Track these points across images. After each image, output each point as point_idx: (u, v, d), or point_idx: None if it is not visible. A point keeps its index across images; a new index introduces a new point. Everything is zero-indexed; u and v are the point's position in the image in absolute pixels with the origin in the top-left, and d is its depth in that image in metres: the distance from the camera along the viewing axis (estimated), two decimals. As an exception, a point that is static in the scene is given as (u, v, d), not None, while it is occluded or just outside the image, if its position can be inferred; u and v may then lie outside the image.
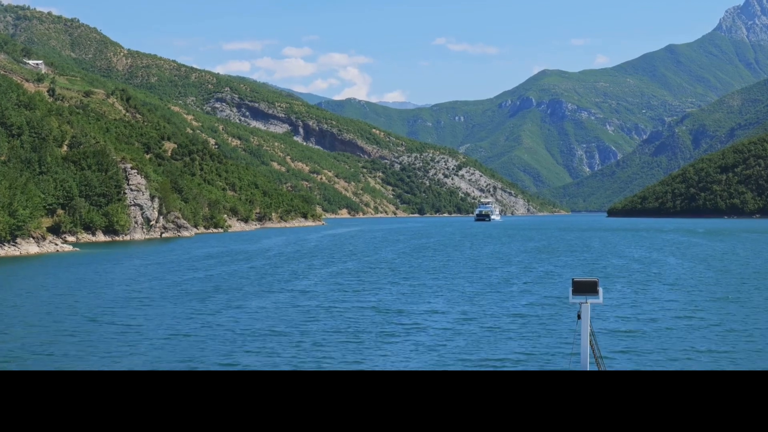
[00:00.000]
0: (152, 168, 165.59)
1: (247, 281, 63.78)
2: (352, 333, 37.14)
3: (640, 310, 45.59)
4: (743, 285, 59.84)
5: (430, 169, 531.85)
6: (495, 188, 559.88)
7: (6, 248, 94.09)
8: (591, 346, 11.40)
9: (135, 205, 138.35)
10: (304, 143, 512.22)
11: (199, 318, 42.12)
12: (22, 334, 36.68)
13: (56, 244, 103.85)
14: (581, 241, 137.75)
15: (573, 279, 10.96)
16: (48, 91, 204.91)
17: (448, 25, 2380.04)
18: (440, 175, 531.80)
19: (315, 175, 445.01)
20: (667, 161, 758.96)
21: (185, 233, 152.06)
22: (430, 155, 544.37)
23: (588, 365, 11.16)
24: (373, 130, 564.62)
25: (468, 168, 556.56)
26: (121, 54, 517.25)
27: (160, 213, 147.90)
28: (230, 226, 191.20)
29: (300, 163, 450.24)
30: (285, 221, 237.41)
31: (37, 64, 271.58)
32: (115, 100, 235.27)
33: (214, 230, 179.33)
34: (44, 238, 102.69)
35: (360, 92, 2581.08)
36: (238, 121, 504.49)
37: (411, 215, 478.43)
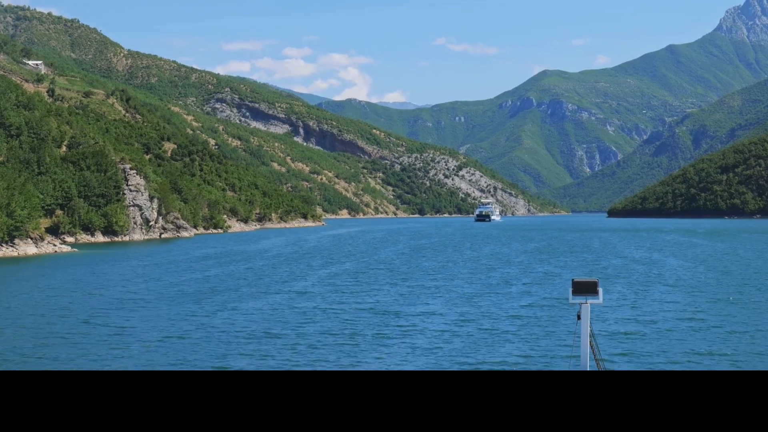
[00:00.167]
0: (152, 168, 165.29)
1: (245, 282, 63.42)
2: (348, 335, 36.73)
3: (641, 311, 45.22)
4: (744, 286, 59.46)
5: (430, 169, 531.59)
6: (495, 189, 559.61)
7: (4, 249, 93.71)
8: (591, 346, 11.22)
9: (134, 205, 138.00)
10: (305, 144, 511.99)
11: (193, 320, 41.68)
12: (13, 336, 36.22)
13: (54, 245, 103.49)
14: (581, 242, 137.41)
15: (573, 279, 10.87)
16: (47, 92, 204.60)
17: (449, 25, 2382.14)
18: (440, 176, 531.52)
19: (315, 176, 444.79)
20: (668, 161, 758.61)
21: (184, 234, 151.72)
22: (431, 156, 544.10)
23: (588, 366, 10.98)
24: (374, 130, 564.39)
25: (468, 168, 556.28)
26: (121, 54, 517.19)
27: (159, 213, 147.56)
28: (230, 226, 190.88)
29: (300, 164, 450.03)
30: (285, 222, 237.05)
31: (36, 64, 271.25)
32: (114, 100, 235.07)
33: (214, 231, 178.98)
34: (42, 239, 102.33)
35: (360, 92, 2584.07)
36: (238, 121, 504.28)
37: (411, 216, 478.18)
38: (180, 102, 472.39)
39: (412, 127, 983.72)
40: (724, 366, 30.03)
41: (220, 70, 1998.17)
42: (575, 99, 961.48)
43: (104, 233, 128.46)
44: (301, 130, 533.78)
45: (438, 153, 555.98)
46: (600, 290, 10.83)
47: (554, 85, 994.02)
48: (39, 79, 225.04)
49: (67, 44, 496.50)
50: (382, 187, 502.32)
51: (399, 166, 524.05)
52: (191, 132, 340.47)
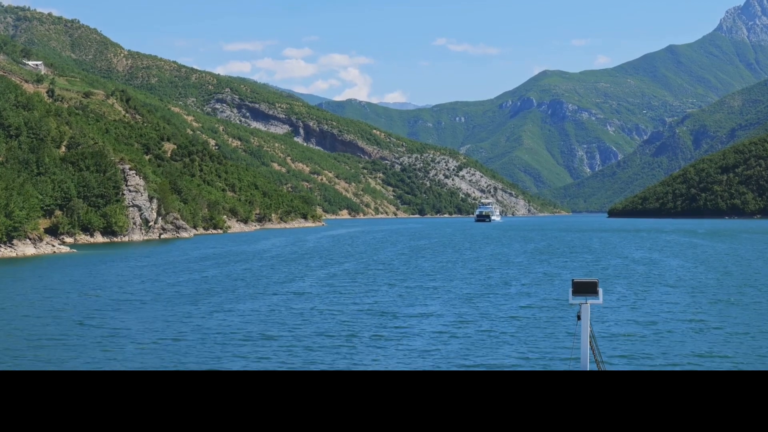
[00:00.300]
0: (151, 169, 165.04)
1: (242, 283, 63.11)
2: (344, 337, 36.38)
3: (641, 311, 44.92)
4: (745, 286, 59.15)
5: (430, 169, 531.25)
6: (495, 189, 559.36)
7: (2, 250, 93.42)
8: (591, 347, 11.06)
9: (133, 206, 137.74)
10: (305, 144, 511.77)
11: (189, 321, 41.29)
12: (3, 337, 35.86)
13: (53, 246, 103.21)
14: (581, 242, 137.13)
15: (573, 280, 10.84)
16: (47, 92, 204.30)
17: (449, 25, 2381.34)
18: (441, 176, 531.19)
19: (315, 176, 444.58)
20: (668, 162, 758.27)
21: (184, 234, 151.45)
22: (431, 156, 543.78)
23: (588, 366, 10.81)
24: (374, 130, 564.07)
25: (468, 169, 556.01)
26: (122, 55, 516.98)
27: (158, 214, 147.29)
28: (229, 227, 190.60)
29: (300, 164, 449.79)
30: (285, 222, 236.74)
31: (36, 64, 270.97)
32: (114, 100, 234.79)
33: (214, 231, 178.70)
34: (41, 240, 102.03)
35: (360, 93, 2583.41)
36: (238, 122, 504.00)
37: (411, 216, 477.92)
38: (180, 102, 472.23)
39: (412, 127, 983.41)
40: (725, 367, 29.73)
41: (221, 70, 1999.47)
42: (575, 99, 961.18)
43: (103, 234, 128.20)
44: (302, 131, 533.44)
45: (438, 153, 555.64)
46: (600, 290, 10.76)
47: (554, 86, 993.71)
48: (39, 80, 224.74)
49: (68, 45, 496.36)
50: (383, 187, 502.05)
51: (399, 167, 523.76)
52: (191, 132, 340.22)
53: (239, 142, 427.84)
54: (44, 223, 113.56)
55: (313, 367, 29.54)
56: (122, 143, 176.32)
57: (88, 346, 33.71)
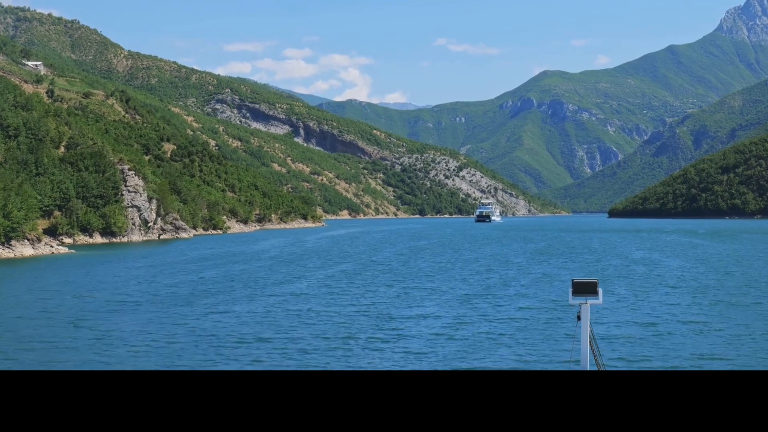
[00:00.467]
0: (151, 169, 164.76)
1: (240, 284, 62.74)
2: (341, 338, 35.99)
3: (641, 312, 44.59)
4: (745, 287, 58.81)
5: (430, 170, 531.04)
6: (496, 189, 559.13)
7: (0, 250, 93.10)
8: (591, 347, 10.82)
9: (132, 206, 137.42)
10: (305, 144, 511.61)
11: (184, 323, 40.87)
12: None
13: (51, 246, 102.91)
14: (582, 243, 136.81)
15: (573, 280, 10.68)
16: (47, 93, 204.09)
17: (449, 25, 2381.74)
18: (441, 176, 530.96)
19: (315, 177, 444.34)
20: (668, 162, 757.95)
21: (183, 235, 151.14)
22: (431, 156, 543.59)
23: (588, 367, 10.60)
24: (374, 131, 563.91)
25: (469, 169, 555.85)
26: (122, 55, 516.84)
27: (158, 214, 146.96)
28: (229, 227, 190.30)
29: (300, 165, 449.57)
30: (285, 222, 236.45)
31: (36, 65, 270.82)
32: (114, 101, 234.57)
33: (213, 232, 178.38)
34: (39, 240, 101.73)
35: (361, 93, 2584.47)
36: (238, 122, 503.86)
37: (412, 216, 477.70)
38: (180, 103, 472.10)
39: (412, 127, 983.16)
40: (725, 367, 29.40)
41: (221, 71, 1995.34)
42: (576, 99, 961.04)
43: (102, 234, 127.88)
44: (302, 131, 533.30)
45: (438, 153, 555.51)
46: (600, 291, 10.60)
47: (555, 86, 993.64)
48: (38, 80, 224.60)
49: (68, 45, 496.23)
50: (383, 187, 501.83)
51: (399, 167, 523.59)
52: (191, 133, 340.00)
53: (239, 143, 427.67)
54: (43, 223, 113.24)
55: (307, 368, 29.18)
56: (122, 144, 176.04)
57: (80, 348, 33.30)
